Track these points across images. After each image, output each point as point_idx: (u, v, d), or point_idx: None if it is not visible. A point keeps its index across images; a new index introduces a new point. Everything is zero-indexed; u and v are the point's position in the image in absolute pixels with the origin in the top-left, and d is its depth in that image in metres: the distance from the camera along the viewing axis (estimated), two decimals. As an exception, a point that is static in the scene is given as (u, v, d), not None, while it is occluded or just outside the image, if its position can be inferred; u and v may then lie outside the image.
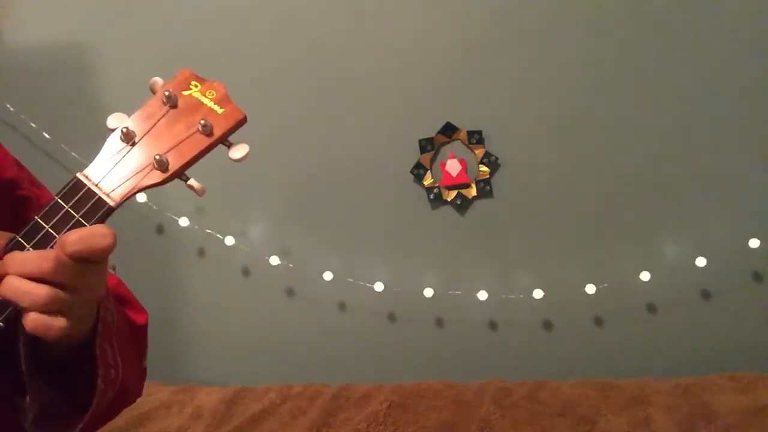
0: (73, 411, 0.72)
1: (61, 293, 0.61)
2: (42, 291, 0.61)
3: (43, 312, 0.61)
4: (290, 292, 1.84)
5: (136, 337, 0.86)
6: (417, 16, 1.74)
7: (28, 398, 0.69)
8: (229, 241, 1.80)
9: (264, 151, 1.77)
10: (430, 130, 1.75)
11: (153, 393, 1.58)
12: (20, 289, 0.61)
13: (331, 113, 1.78)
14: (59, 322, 0.62)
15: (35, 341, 0.68)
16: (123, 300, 0.86)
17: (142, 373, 0.89)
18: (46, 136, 1.79)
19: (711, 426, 1.36)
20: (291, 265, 1.81)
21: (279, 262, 1.80)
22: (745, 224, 1.68)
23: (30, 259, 0.62)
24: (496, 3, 1.71)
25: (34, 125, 1.79)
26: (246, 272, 1.85)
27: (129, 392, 0.83)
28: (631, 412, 1.42)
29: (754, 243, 1.65)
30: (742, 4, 1.63)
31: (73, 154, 1.75)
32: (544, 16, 1.70)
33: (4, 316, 0.64)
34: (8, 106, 1.80)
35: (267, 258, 1.80)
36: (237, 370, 1.85)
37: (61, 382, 0.73)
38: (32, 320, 0.61)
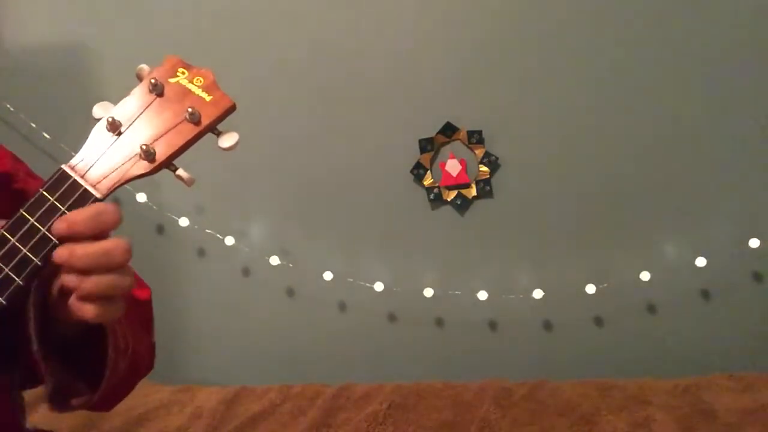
0: (87, 387, 0.73)
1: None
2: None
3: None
4: (290, 292, 1.84)
5: (142, 311, 0.87)
6: (417, 17, 1.74)
7: (43, 376, 0.70)
8: (229, 241, 1.80)
9: (264, 151, 1.78)
10: (430, 130, 1.75)
11: (153, 393, 1.58)
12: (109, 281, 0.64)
13: (331, 113, 1.78)
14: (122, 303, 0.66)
15: (44, 322, 0.68)
16: None
17: (151, 347, 0.89)
18: (46, 136, 1.79)
19: (711, 426, 1.36)
20: (291, 265, 1.81)
21: (279, 262, 1.80)
22: (745, 224, 1.68)
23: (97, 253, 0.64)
24: (497, 3, 1.71)
25: (34, 125, 1.79)
26: (246, 272, 1.85)
27: (140, 364, 0.84)
28: (631, 412, 1.42)
29: (754, 243, 1.65)
30: (741, 4, 1.63)
31: (73, 154, 1.75)
32: (545, 16, 1.70)
33: (6, 294, 0.64)
34: (8, 106, 1.80)
35: (267, 258, 1.80)
36: (237, 370, 1.85)
37: (72, 361, 0.73)
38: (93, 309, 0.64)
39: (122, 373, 0.76)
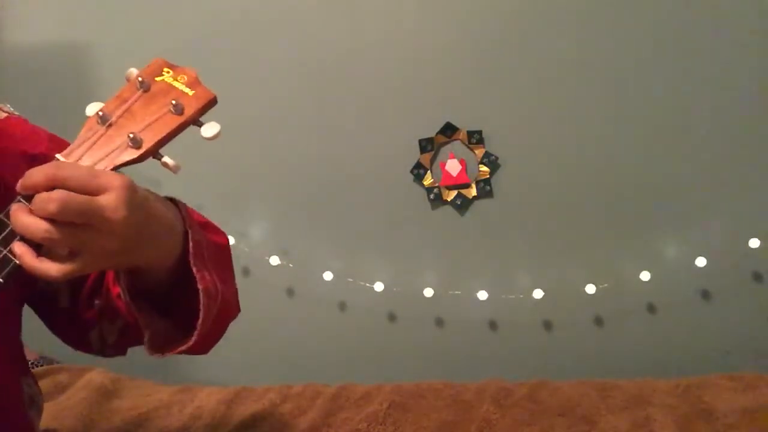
0: (183, 333, 0.78)
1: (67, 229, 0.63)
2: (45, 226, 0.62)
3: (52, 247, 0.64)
4: (290, 292, 1.84)
5: (225, 256, 0.92)
6: (417, 16, 1.74)
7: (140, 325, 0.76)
8: (230, 241, 1.80)
9: (264, 151, 1.78)
10: (430, 130, 1.75)
11: (153, 393, 1.58)
12: (33, 224, 0.63)
13: (331, 113, 1.78)
14: (53, 268, 0.64)
15: (132, 275, 0.75)
16: (202, 225, 0.90)
17: (236, 292, 0.93)
18: (46, 136, 1.79)
19: (711, 426, 1.35)
20: (291, 265, 1.81)
21: (279, 262, 1.80)
22: (745, 224, 1.68)
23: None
24: (497, 3, 1.71)
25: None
26: (246, 272, 1.84)
27: (230, 306, 0.89)
28: (631, 412, 1.42)
29: (754, 243, 1.65)
30: (742, 4, 1.63)
31: (73, 154, 1.75)
32: (545, 16, 1.70)
33: (5, 272, 0.66)
34: (8, 106, 1.80)
35: (267, 258, 1.80)
36: (237, 370, 1.85)
37: (165, 310, 0.79)
38: (28, 264, 0.64)
39: (215, 318, 0.79)
